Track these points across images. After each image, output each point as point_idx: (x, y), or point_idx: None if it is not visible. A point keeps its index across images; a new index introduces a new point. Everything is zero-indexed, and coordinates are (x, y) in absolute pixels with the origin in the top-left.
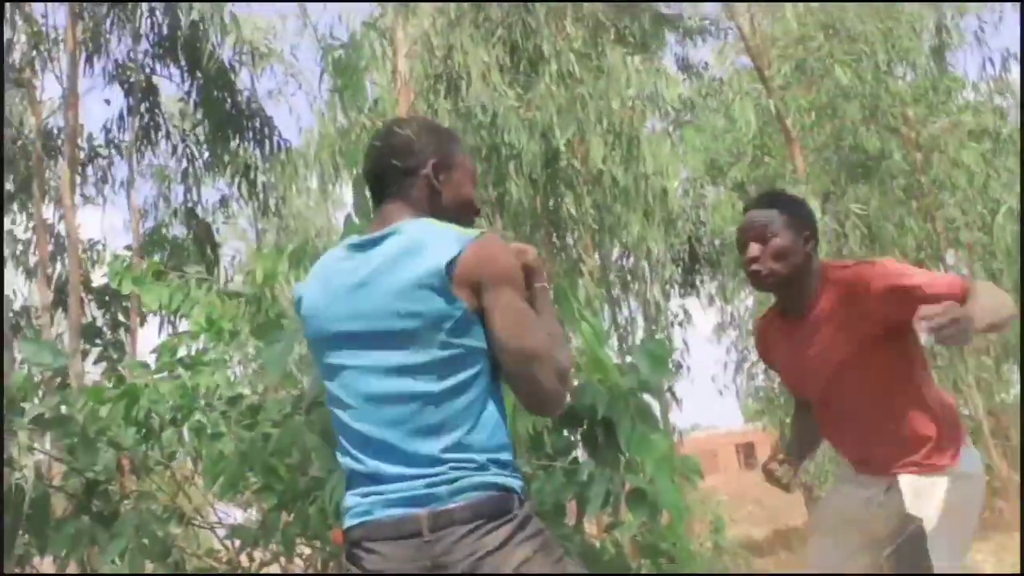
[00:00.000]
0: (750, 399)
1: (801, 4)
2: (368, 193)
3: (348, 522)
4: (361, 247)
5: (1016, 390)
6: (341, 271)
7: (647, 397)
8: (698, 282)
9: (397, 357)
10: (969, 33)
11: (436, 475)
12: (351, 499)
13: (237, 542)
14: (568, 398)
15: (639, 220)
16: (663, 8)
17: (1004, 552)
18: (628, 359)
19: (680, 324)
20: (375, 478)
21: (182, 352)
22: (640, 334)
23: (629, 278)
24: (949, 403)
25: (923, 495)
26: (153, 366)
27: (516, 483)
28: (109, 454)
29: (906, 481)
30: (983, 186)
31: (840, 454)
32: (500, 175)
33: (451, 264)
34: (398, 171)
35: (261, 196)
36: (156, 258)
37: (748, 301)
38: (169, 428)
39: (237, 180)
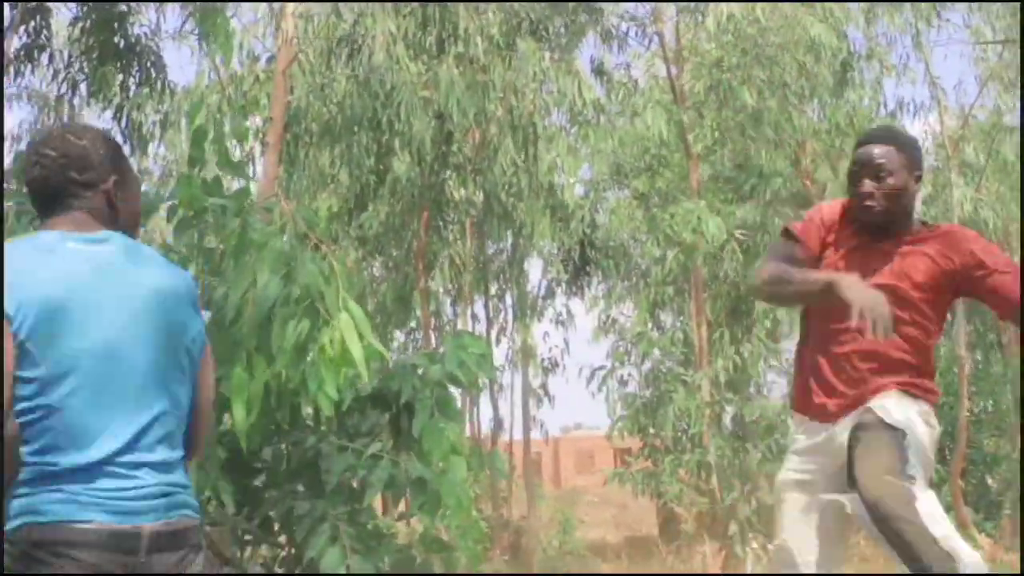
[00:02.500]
0: (619, 404)
1: (724, 21)
2: (33, 199)
3: (32, 519)
4: (87, 242)
5: None
6: (78, 257)
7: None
8: (584, 285)
9: (149, 353)
10: (871, 78)
11: (159, 486)
12: (46, 496)
13: None
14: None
15: (527, 212)
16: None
17: None
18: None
19: (562, 323)
20: (88, 477)
21: None
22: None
23: (508, 269)
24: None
25: (903, 405)
26: None
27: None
28: None
29: (884, 396)
30: None
31: (822, 381)
32: (388, 148)
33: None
34: (77, 184)
35: (136, 135)
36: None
37: (629, 310)
38: None
39: (118, 116)
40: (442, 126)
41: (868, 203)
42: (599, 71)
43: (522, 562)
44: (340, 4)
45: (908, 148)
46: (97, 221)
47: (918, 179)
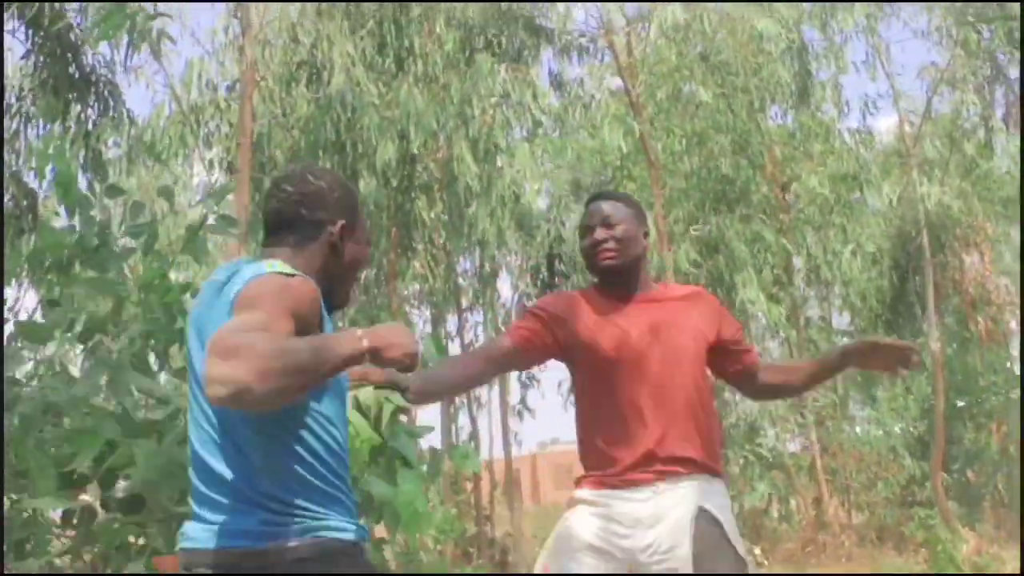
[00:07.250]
0: None
1: (669, 28)
2: (264, 226)
3: (183, 544)
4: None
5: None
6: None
7: None
8: None
9: None
10: (829, 81)
11: (280, 513)
12: (190, 525)
13: None
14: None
15: (493, 220)
16: (539, 19)
17: None
18: None
19: None
20: (214, 509)
21: None
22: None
23: (479, 284)
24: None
25: (726, 503)
26: None
27: (355, 530)
28: None
29: (700, 481)
30: (841, 227)
31: (626, 446)
32: (354, 171)
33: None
34: (304, 221)
35: (97, 166)
36: None
37: None
38: None
39: (77, 149)
40: (405, 146)
41: (603, 248)
42: (557, 83)
43: None
44: (297, 28)
45: (634, 204)
46: (301, 257)
47: (646, 235)
